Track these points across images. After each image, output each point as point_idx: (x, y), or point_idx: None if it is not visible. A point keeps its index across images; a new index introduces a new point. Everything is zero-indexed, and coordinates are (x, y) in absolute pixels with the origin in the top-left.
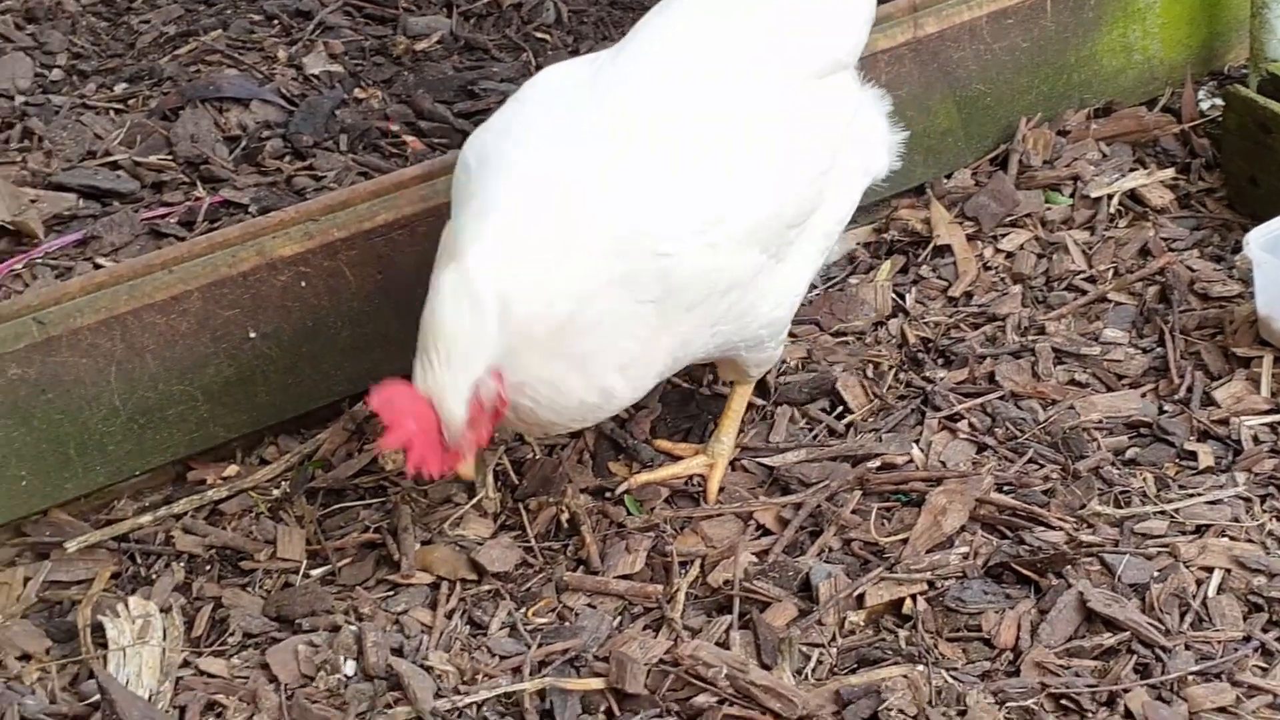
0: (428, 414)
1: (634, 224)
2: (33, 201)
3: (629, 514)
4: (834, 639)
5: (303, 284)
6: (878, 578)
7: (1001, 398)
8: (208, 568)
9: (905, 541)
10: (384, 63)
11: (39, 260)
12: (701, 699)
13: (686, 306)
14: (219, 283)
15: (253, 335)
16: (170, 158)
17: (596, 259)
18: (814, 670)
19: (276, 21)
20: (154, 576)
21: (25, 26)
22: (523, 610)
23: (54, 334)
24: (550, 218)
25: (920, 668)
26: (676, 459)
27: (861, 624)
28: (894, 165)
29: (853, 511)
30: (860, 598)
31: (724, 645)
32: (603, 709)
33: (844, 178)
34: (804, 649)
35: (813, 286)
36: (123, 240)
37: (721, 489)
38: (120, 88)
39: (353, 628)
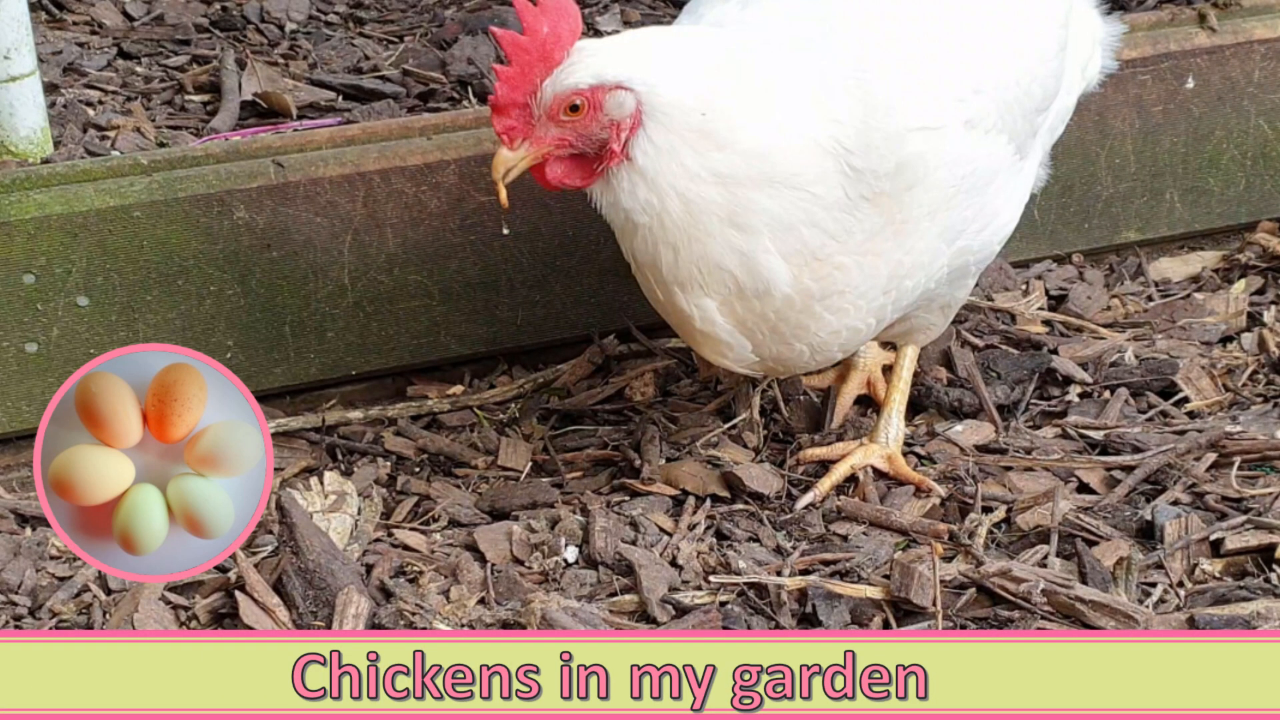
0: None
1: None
2: (290, 90)
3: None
4: (1182, 583)
5: None
6: (1241, 525)
7: None
8: (417, 469)
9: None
10: None
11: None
12: (1008, 616)
13: (929, 211)
14: (480, 159)
15: (505, 232)
16: (442, 74)
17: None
18: (1156, 606)
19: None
20: (355, 470)
21: None
22: (783, 531)
23: (291, 179)
24: None
25: None
26: (835, 462)
27: (1218, 573)
28: (1109, 66)
29: (1207, 469)
30: (1217, 544)
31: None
32: (878, 620)
33: (1070, 65)
34: (1145, 586)
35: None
36: None
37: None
38: (397, 26)
39: (578, 517)
